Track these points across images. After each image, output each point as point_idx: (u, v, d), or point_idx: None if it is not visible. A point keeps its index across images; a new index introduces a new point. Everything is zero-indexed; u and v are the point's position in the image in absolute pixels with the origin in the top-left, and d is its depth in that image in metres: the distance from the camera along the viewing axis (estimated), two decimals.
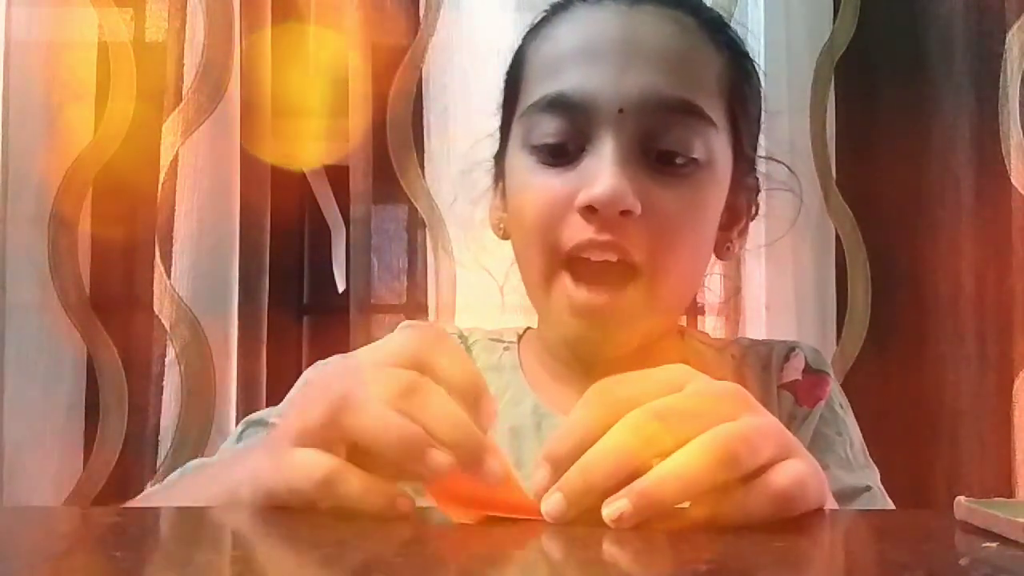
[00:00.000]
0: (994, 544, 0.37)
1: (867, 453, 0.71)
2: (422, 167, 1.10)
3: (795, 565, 0.38)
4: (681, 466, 0.40)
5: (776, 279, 1.07)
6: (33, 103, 1.09)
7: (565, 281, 0.63)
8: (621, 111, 0.62)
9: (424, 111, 1.10)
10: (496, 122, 0.74)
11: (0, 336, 1.07)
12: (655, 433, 0.41)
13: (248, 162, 1.09)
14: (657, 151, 0.62)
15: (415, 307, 1.14)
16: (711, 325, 1.10)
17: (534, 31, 0.70)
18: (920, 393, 1.08)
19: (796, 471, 0.42)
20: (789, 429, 0.67)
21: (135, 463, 1.08)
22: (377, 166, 1.09)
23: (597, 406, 0.43)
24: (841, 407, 0.73)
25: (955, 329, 1.08)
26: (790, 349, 0.74)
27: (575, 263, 0.63)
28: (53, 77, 1.10)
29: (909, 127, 1.10)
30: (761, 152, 0.76)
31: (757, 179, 0.74)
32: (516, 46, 0.71)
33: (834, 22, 1.12)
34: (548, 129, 0.64)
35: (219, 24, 1.07)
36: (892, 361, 1.09)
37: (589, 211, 0.61)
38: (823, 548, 0.42)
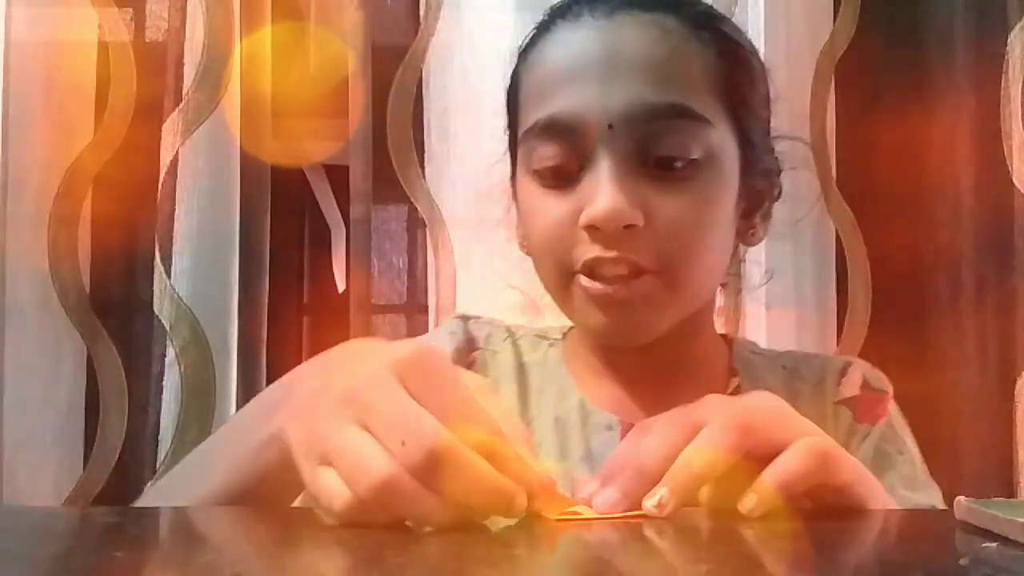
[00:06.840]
0: (994, 544, 0.37)
1: (927, 472, 0.70)
2: (422, 167, 1.10)
3: (794, 566, 0.38)
4: (701, 448, 0.44)
5: (776, 279, 1.07)
6: (33, 103, 1.09)
7: (581, 280, 0.64)
8: (611, 126, 0.62)
9: (424, 111, 1.10)
10: (504, 145, 0.74)
11: (0, 336, 1.07)
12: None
13: (248, 162, 1.09)
14: (654, 158, 0.62)
15: (415, 307, 1.14)
16: None
17: (524, 54, 0.70)
18: (920, 393, 1.07)
19: (810, 445, 0.45)
20: (847, 446, 0.67)
21: (135, 463, 1.08)
22: (377, 166, 1.09)
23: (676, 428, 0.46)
24: (900, 425, 0.72)
25: (956, 330, 1.08)
26: (846, 364, 0.74)
27: (589, 273, 0.64)
28: (53, 77, 1.10)
29: (909, 127, 1.10)
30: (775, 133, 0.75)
31: (776, 159, 0.73)
32: (511, 68, 0.72)
33: (834, 22, 1.12)
34: (545, 153, 0.64)
35: (219, 24, 1.07)
36: (892, 361, 1.09)
37: (593, 230, 0.62)
38: (823, 548, 0.42)
